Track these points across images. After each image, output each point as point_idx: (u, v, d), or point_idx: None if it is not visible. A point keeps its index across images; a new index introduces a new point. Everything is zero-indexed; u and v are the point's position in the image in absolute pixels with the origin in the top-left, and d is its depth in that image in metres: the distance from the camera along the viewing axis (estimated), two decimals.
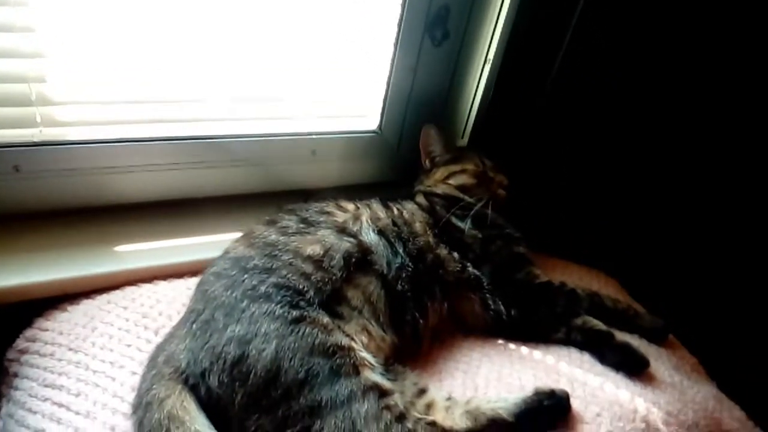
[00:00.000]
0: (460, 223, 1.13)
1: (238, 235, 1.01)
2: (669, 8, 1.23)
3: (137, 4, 0.96)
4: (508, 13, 1.18)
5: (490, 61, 1.24)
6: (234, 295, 0.84)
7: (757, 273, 1.41)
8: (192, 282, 1.01)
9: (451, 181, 1.21)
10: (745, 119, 1.36)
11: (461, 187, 1.20)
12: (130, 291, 1.00)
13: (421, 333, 0.99)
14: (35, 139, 1.00)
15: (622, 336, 1.04)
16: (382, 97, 1.27)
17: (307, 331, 0.80)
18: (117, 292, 1.00)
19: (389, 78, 1.24)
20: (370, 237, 1.01)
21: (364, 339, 0.89)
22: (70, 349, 0.88)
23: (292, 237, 0.96)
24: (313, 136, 1.24)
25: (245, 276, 0.87)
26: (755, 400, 1.05)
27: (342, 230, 1.00)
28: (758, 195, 1.40)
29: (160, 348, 0.84)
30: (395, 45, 1.20)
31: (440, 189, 1.21)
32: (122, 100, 1.06)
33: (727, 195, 1.42)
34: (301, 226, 0.99)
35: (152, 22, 0.99)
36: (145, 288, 1.01)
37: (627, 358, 1.00)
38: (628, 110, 1.32)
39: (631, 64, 1.27)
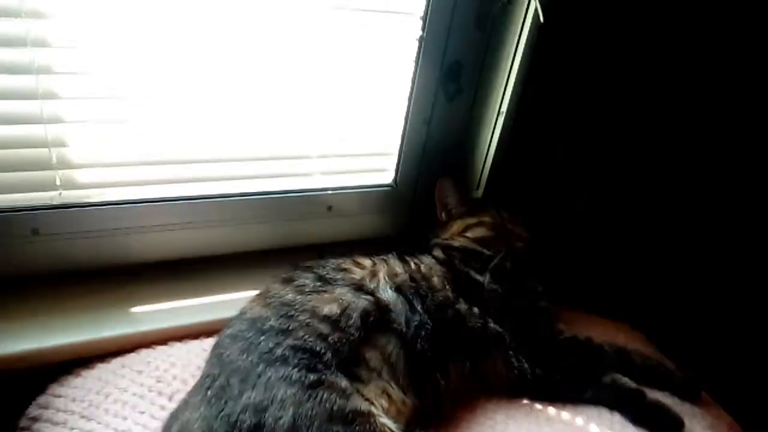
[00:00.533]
0: (479, 277, 1.10)
1: (254, 293, 1.00)
2: (688, 57, 1.23)
3: (153, 67, 0.98)
4: (520, 65, 1.19)
5: (504, 114, 1.25)
6: (250, 358, 0.82)
7: None
8: (207, 343, 0.99)
9: (468, 234, 1.19)
10: None
11: (479, 240, 1.18)
12: (144, 354, 0.98)
13: (443, 394, 0.95)
14: (55, 202, 1.01)
15: (653, 394, 0.99)
16: (397, 151, 1.28)
17: (325, 396, 0.77)
18: (132, 355, 0.98)
19: (404, 132, 1.25)
20: (387, 294, 0.99)
21: (384, 403, 0.86)
22: (83, 417, 0.86)
23: (309, 296, 0.94)
24: (329, 192, 1.24)
25: (261, 338, 0.85)
26: None
27: (359, 288, 0.98)
28: None
29: (173, 416, 0.82)
30: (409, 100, 1.22)
31: (457, 242, 1.19)
32: (141, 161, 1.07)
33: (761, 246, 1.37)
34: (318, 284, 0.98)
35: (169, 83, 1.01)
36: (160, 350, 0.99)
37: (660, 418, 0.96)
38: (648, 158, 1.31)
39: (651, 112, 1.27)
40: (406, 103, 1.22)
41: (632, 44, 1.22)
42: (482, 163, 1.32)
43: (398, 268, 1.07)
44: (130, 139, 1.04)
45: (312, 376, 0.80)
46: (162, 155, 1.08)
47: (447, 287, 1.06)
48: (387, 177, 1.32)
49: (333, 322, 0.89)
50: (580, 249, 1.30)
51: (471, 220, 1.21)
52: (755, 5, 1.23)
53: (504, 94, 1.24)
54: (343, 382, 0.82)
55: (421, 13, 1.13)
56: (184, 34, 0.97)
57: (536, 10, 1.10)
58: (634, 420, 0.96)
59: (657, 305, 1.32)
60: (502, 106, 1.25)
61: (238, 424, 0.74)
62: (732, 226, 1.36)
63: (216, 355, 0.87)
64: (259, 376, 0.79)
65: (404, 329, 0.95)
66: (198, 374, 0.89)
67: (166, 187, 1.11)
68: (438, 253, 1.16)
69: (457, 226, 1.22)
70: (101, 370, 0.95)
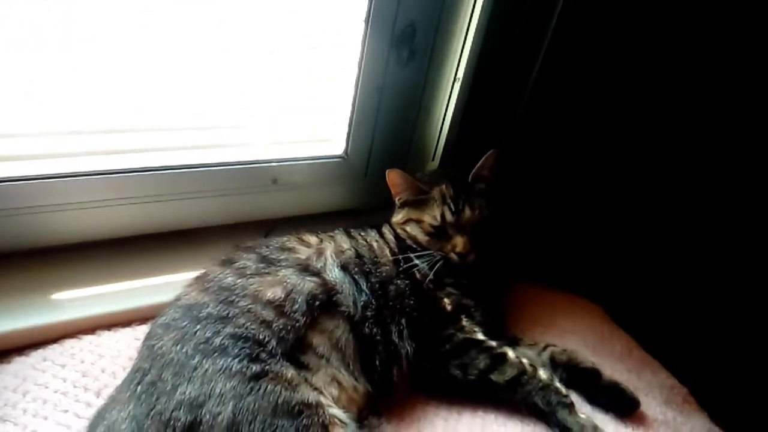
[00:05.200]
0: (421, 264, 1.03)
1: (192, 274, 0.92)
2: (651, 21, 1.17)
3: (75, 30, 0.87)
4: (477, 28, 1.12)
5: (460, 80, 1.18)
6: (184, 350, 0.75)
7: (748, 300, 1.32)
8: (140, 331, 0.92)
9: (407, 228, 1.10)
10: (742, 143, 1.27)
11: (414, 239, 1.08)
12: (69, 345, 0.89)
13: (395, 377, 0.90)
14: None
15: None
16: (348, 120, 1.20)
17: (269, 388, 0.72)
18: (54, 346, 0.89)
19: (354, 100, 1.17)
20: (334, 274, 0.93)
21: (335, 391, 0.81)
22: None
23: (251, 279, 0.87)
24: (274, 164, 1.16)
25: (198, 327, 0.78)
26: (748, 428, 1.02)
27: (305, 268, 0.92)
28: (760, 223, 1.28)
29: (100, 415, 0.74)
30: (359, 65, 1.13)
31: (400, 231, 1.11)
32: (61, 131, 0.96)
33: (723, 218, 1.31)
34: (261, 265, 0.91)
35: (94, 44, 0.90)
36: (87, 341, 0.91)
37: (616, 398, 0.94)
38: (611, 124, 1.26)
39: (613, 77, 1.21)
40: (357, 69, 1.14)
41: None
42: (437, 132, 1.26)
43: (345, 244, 1.01)
44: (49, 107, 0.92)
45: (254, 367, 0.74)
46: (86, 123, 0.97)
47: (391, 262, 1.01)
48: (338, 148, 1.24)
49: (277, 306, 0.83)
50: (537, 221, 1.26)
51: (413, 214, 1.10)
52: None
53: (460, 58, 1.17)
54: (290, 372, 0.77)
55: None
56: None
57: None
58: (591, 400, 0.95)
59: (616, 279, 1.30)
60: (459, 72, 1.18)
61: (172, 422, 0.68)
62: (693, 202, 1.33)
63: (147, 346, 0.79)
64: (195, 368, 0.73)
65: (352, 311, 0.90)
66: (129, 367, 0.82)
67: (91, 160, 1.00)
68: (386, 230, 1.11)
69: (402, 215, 1.12)
70: (19, 364, 0.86)
